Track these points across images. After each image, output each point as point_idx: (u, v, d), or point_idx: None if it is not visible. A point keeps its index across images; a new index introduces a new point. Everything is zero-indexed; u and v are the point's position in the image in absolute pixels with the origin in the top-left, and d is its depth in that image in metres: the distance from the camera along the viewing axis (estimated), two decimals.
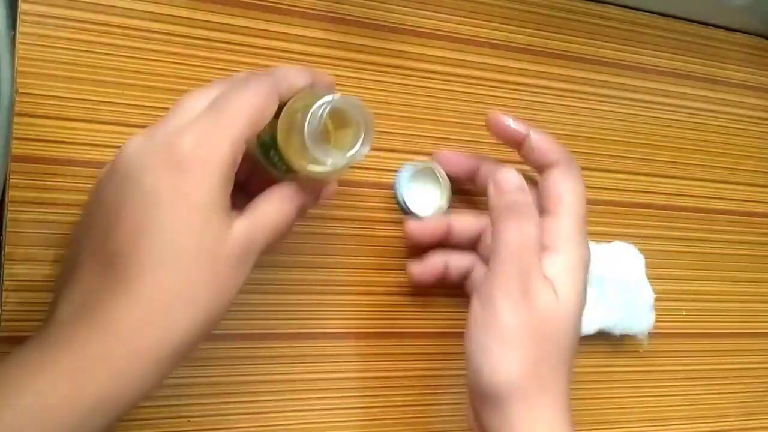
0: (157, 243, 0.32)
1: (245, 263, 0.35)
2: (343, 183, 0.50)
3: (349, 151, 0.38)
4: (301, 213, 0.39)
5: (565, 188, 0.44)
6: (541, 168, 0.46)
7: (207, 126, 0.34)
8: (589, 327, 0.53)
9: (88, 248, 0.35)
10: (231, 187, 0.35)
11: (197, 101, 0.36)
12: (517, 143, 0.47)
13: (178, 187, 0.33)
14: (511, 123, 0.47)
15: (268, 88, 0.36)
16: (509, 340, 0.40)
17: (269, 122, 0.39)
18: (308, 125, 0.37)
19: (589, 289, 0.49)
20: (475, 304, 0.42)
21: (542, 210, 0.44)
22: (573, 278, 0.42)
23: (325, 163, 0.38)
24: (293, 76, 0.38)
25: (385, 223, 0.51)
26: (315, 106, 0.37)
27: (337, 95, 0.37)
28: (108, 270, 0.33)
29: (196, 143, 0.34)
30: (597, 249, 0.54)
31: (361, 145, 0.38)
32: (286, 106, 0.39)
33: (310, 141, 0.37)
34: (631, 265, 0.54)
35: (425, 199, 0.51)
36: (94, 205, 0.36)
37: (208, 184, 0.33)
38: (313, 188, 0.39)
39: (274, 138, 0.38)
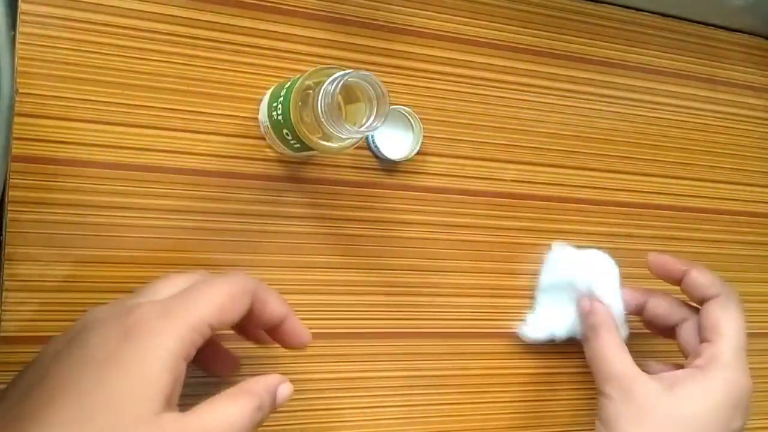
0: (67, 407, 0.30)
1: None
2: (343, 183, 0.50)
3: (362, 125, 0.38)
4: (256, 417, 0.34)
5: (724, 318, 0.47)
6: (701, 300, 0.49)
7: (167, 307, 0.33)
8: (560, 332, 0.53)
9: (12, 399, 0.33)
10: (177, 376, 0.32)
11: (175, 283, 0.37)
12: (677, 279, 0.50)
13: (117, 352, 0.31)
14: (670, 262, 0.51)
15: (244, 285, 0.36)
16: None
17: (281, 101, 0.40)
18: (321, 101, 0.37)
19: (560, 294, 0.52)
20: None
21: (702, 339, 0.48)
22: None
23: (339, 138, 0.38)
24: (272, 300, 0.38)
25: (386, 224, 0.51)
26: (327, 82, 0.37)
27: (349, 71, 0.37)
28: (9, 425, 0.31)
29: (148, 317, 0.32)
30: (574, 254, 0.54)
31: (374, 119, 0.38)
32: (298, 84, 0.39)
33: (324, 117, 0.37)
34: (606, 276, 0.52)
35: (397, 143, 0.51)
36: (38, 357, 0.35)
37: (149, 361, 0.31)
38: (267, 388, 0.36)
39: (286, 116, 0.39)
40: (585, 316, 0.50)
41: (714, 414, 0.44)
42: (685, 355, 0.50)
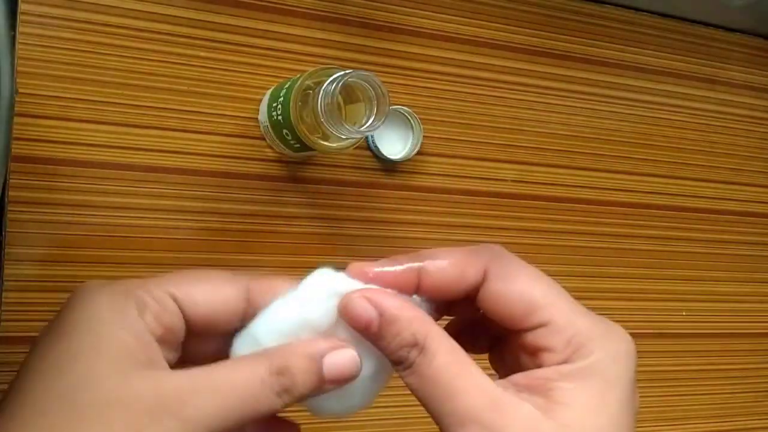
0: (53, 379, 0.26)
1: (138, 430, 0.25)
2: (343, 183, 0.50)
3: (362, 125, 0.38)
4: (276, 385, 0.27)
5: (527, 284, 0.31)
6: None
7: (163, 279, 0.29)
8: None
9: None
10: (136, 336, 0.27)
11: None
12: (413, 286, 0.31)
13: (106, 315, 0.27)
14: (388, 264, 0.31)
15: (235, 275, 0.30)
16: None
17: (281, 101, 0.40)
18: (321, 101, 0.37)
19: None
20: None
21: (515, 324, 0.31)
22: None
23: (339, 138, 0.38)
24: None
25: (386, 224, 0.51)
26: (327, 82, 0.37)
27: (349, 71, 0.37)
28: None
29: (145, 284, 0.29)
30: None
31: (374, 119, 0.38)
32: (298, 84, 0.39)
33: (324, 117, 0.37)
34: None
35: (397, 143, 0.51)
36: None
37: (139, 321, 0.27)
38: (302, 353, 0.28)
39: (286, 116, 0.39)
40: (384, 335, 0.29)
41: (613, 418, 0.28)
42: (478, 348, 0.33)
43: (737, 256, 0.63)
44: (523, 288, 0.30)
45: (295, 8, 0.50)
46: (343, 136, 0.38)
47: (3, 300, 0.41)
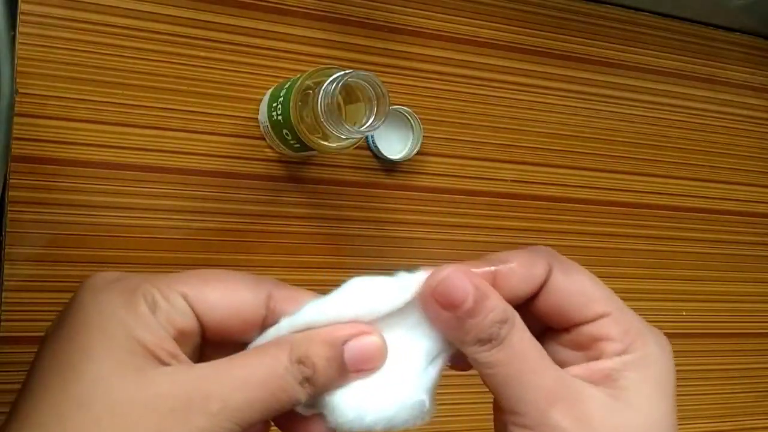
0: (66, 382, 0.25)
1: (164, 430, 0.24)
2: (343, 183, 0.50)
3: (362, 125, 0.38)
4: (297, 374, 0.26)
5: (582, 283, 0.32)
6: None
7: (175, 278, 0.28)
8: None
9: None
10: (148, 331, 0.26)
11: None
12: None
13: (117, 312, 0.26)
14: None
15: (255, 278, 0.29)
16: None
17: (281, 101, 0.40)
18: (321, 101, 0.37)
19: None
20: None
21: (571, 319, 0.32)
22: None
23: (339, 138, 0.38)
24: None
25: (386, 224, 0.51)
26: (327, 82, 0.37)
27: (350, 71, 0.37)
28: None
29: (156, 282, 0.27)
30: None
31: (374, 119, 0.38)
32: (298, 84, 0.39)
33: (324, 117, 0.37)
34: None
35: (397, 143, 0.51)
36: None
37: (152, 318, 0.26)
38: (320, 339, 0.27)
39: (286, 116, 0.39)
40: (479, 311, 0.27)
41: (671, 408, 0.30)
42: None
43: (737, 256, 0.63)
44: (584, 282, 0.31)
45: (295, 8, 0.50)
46: (343, 136, 0.39)
47: (3, 300, 0.41)
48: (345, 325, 0.27)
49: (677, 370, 0.60)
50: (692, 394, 0.59)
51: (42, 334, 0.35)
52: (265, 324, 0.28)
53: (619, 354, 0.29)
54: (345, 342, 0.27)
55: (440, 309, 0.28)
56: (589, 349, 0.30)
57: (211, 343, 0.28)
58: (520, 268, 0.30)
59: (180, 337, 0.26)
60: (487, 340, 0.28)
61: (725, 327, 0.61)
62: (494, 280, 0.29)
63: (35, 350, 0.37)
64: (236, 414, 0.25)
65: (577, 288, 0.31)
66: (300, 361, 0.26)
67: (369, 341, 0.28)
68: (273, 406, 0.25)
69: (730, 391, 0.61)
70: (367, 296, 0.28)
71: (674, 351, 0.60)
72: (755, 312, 0.63)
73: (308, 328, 0.27)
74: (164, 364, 0.25)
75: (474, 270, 0.29)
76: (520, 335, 0.28)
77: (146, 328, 0.25)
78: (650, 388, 0.29)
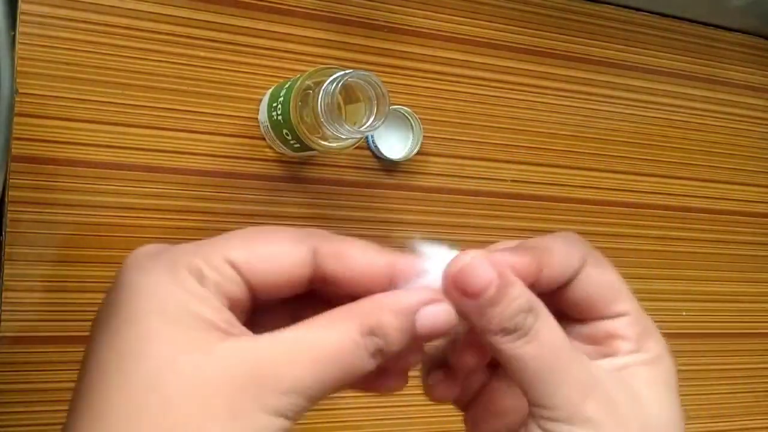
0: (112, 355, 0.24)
1: (237, 409, 0.23)
2: (343, 183, 0.50)
3: (362, 125, 0.38)
4: (369, 347, 0.25)
5: (609, 280, 0.32)
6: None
7: (219, 243, 0.27)
8: None
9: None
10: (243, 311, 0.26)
11: None
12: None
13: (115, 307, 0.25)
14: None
15: (296, 234, 0.27)
16: None
17: (281, 101, 0.40)
18: (321, 101, 0.37)
19: None
20: None
21: (592, 313, 0.32)
22: None
23: (339, 138, 0.38)
24: (354, 250, 0.28)
25: (386, 224, 0.51)
26: (327, 82, 0.37)
27: (350, 71, 0.37)
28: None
29: (200, 250, 0.27)
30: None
31: (374, 119, 0.38)
32: (298, 84, 0.39)
33: (324, 117, 0.37)
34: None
35: (397, 143, 0.51)
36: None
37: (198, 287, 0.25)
38: (388, 308, 0.26)
39: (286, 116, 0.39)
40: (501, 299, 0.26)
41: (680, 407, 0.30)
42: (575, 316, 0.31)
43: (737, 256, 0.63)
44: (613, 277, 0.30)
45: (295, 8, 0.50)
46: (343, 136, 0.39)
47: (3, 300, 0.41)
48: (413, 292, 0.26)
49: (677, 370, 0.61)
50: (692, 394, 0.59)
51: (42, 334, 0.35)
52: (313, 281, 0.27)
53: (632, 353, 0.29)
54: (416, 310, 0.26)
55: (462, 296, 0.26)
56: (602, 345, 0.30)
57: (259, 305, 0.27)
58: (559, 257, 0.29)
59: (232, 306, 0.25)
60: (512, 330, 0.26)
61: (725, 327, 0.61)
62: (537, 268, 0.28)
63: (35, 350, 0.37)
64: (307, 391, 0.24)
65: (607, 282, 0.30)
66: (371, 332, 0.25)
67: (441, 309, 0.26)
68: (345, 379, 0.25)
69: (730, 391, 0.61)
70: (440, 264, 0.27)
71: (674, 351, 0.60)
72: (755, 312, 0.63)
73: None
74: (226, 334, 0.24)
75: (510, 257, 0.28)
76: (549, 327, 0.27)
77: (201, 301, 0.25)
78: (662, 387, 0.29)
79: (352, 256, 0.27)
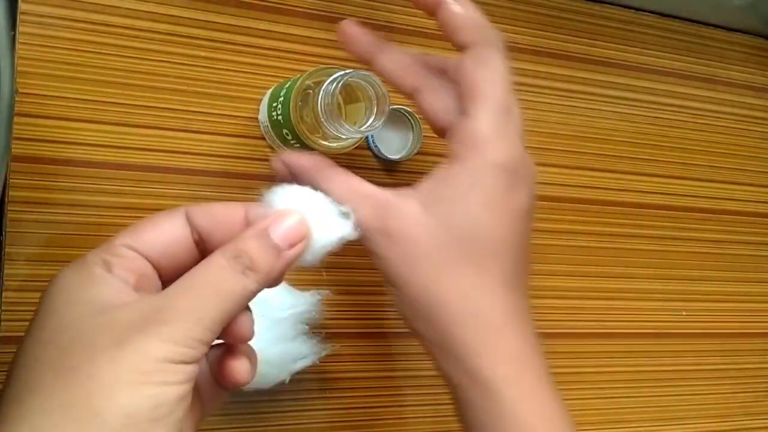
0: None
1: (123, 340, 0.27)
2: None
3: (362, 125, 0.38)
4: (242, 280, 0.30)
5: (480, 74, 0.36)
6: (460, 48, 0.38)
7: (114, 238, 0.32)
8: None
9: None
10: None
11: None
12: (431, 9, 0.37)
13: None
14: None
15: (170, 210, 0.32)
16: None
17: (281, 101, 0.40)
18: (321, 101, 0.37)
19: None
20: None
21: (461, 111, 0.37)
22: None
23: (339, 138, 0.38)
24: (216, 208, 0.33)
25: None
26: (327, 82, 0.37)
27: (350, 71, 0.37)
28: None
29: (100, 248, 0.31)
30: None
31: (374, 119, 0.38)
32: (298, 84, 0.39)
33: (324, 117, 0.37)
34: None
35: (397, 143, 0.51)
36: None
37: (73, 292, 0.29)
38: (254, 234, 0.31)
39: (286, 116, 0.39)
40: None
41: (490, 212, 0.34)
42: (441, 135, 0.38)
43: (737, 256, 0.63)
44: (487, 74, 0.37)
45: (295, 8, 0.50)
46: (343, 136, 0.39)
47: (3, 300, 0.41)
48: (268, 215, 0.31)
49: (677, 370, 0.61)
50: (692, 394, 0.59)
51: None
52: (198, 241, 0.31)
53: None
54: (268, 228, 0.31)
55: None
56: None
57: (169, 280, 0.30)
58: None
59: (142, 280, 0.30)
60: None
61: (725, 327, 0.61)
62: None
63: None
64: (190, 316, 0.27)
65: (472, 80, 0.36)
66: (236, 256, 0.29)
67: (291, 219, 0.31)
68: (227, 301, 0.28)
69: (730, 391, 0.61)
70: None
71: (674, 351, 0.60)
72: (755, 312, 0.63)
73: None
74: (122, 302, 0.28)
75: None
76: (332, 177, 0.36)
77: (105, 285, 0.28)
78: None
79: (216, 209, 0.32)
